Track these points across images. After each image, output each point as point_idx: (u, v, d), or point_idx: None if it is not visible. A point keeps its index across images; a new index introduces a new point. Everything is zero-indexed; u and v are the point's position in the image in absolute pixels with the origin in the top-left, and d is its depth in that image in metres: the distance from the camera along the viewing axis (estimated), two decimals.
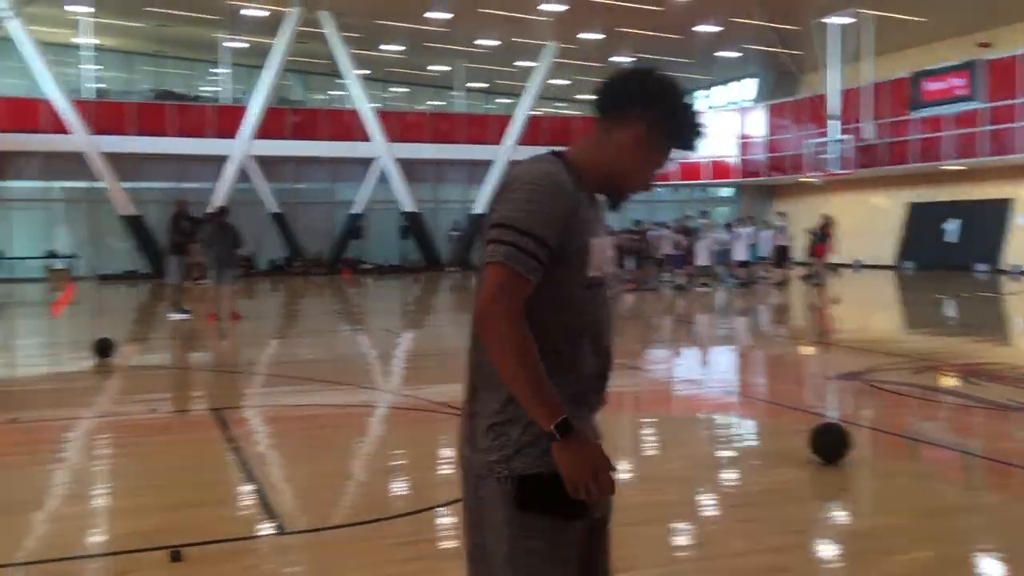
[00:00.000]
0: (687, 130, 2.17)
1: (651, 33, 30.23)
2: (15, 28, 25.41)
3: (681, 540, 4.55)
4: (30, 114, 27.31)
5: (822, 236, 22.79)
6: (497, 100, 40.64)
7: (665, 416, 7.91)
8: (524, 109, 31.99)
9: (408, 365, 11.48)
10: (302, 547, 4.42)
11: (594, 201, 2.15)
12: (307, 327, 16.16)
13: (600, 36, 30.85)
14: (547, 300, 2.02)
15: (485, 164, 31.34)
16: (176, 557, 4.11)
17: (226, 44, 31.56)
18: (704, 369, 10.89)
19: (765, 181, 34.00)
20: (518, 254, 1.95)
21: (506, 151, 31.32)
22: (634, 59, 33.83)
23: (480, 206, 31.50)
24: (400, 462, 6.27)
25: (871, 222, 30.06)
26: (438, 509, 4.85)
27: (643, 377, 9.66)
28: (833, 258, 23.76)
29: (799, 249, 25.24)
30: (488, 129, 32.60)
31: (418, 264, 31.39)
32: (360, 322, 16.80)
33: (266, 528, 4.62)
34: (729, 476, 5.70)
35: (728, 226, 24.24)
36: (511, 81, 35.81)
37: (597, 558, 2.23)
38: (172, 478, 5.68)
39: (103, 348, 10.47)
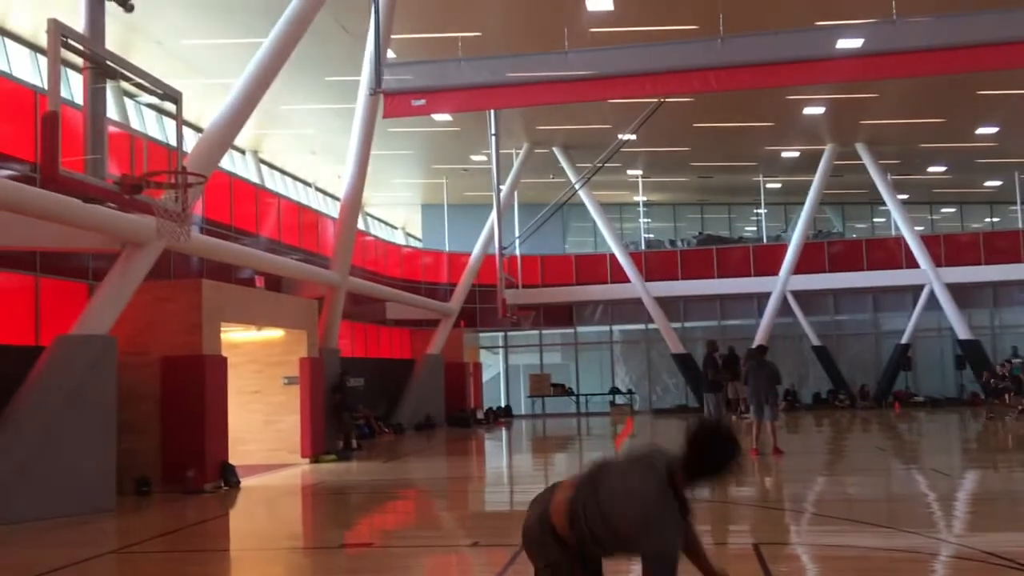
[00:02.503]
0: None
1: None
2: (585, 195, 29.38)
3: None
4: (595, 267, 31.12)
5: None
6: None
7: None
8: None
9: (961, 510, 10.66)
10: None
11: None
12: (852, 464, 15.75)
13: None
14: None
15: None
16: None
17: (765, 186, 33.00)
18: None
19: None
20: None
21: None
22: None
23: None
24: None
25: None
26: None
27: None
28: None
29: None
30: None
31: (977, 396, 28.75)
32: (910, 460, 15.93)
33: None
34: None
35: None
36: None
37: None
38: None
39: None
